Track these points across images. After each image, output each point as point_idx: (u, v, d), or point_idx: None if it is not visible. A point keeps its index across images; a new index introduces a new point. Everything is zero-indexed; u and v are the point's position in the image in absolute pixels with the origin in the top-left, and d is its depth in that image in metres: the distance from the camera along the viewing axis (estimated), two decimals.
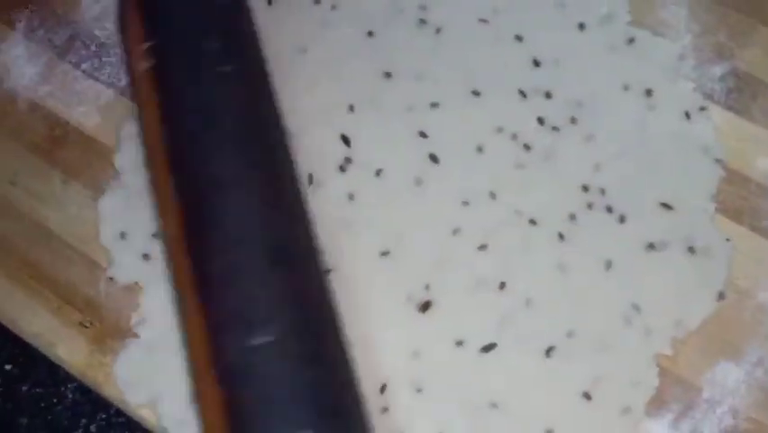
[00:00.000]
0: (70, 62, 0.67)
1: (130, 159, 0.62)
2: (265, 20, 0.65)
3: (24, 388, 0.64)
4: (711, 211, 0.59)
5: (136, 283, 0.60)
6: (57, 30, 0.68)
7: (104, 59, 0.67)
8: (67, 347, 0.59)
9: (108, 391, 0.58)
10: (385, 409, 0.55)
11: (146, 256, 0.60)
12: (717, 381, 0.55)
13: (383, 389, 0.55)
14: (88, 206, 0.62)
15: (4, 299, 0.60)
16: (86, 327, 0.59)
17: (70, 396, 0.64)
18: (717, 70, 0.62)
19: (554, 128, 0.61)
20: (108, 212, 0.61)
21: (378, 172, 0.61)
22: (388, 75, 0.64)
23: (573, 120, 0.61)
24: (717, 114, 0.61)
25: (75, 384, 0.63)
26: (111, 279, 0.60)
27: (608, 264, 0.57)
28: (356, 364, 0.53)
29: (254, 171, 0.53)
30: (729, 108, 0.61)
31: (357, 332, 0.56)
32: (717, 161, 0.60)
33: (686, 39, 0.63)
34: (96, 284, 0.60)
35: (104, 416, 0.63)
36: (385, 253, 0.58)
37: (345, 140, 0.62)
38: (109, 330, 0.59)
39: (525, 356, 0.56)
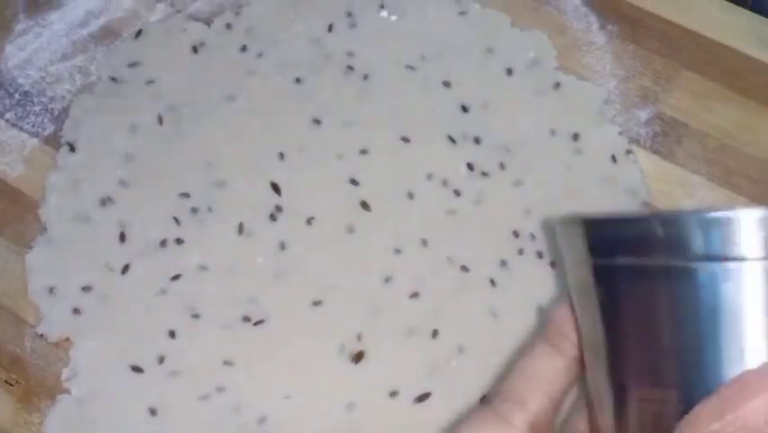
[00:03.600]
0: None
1: (56, 211, 0.61)
2: (191, 68, 0.65)
3: None
4: None
5: (67, 339, 0.58)
6: None
7: (28, 107, 0.65)
8: None
9: None
10: None
11: (76, 310, 0.59)
12: None
13: None
14: (15, 260, 0.60)
15: None
16: (12, 385, 0.58)
17: None
18: (643, 114, 0.63)
19: (484, 173, 0.61)
20: (36, 266, 0.60)
21: (309, 220, 0.60)
22: (317, 122, 0.63)
23: (502, 165, 0.61)
24: (643, 157, 0.62)
25: None
26: (40, 335, 0.58)
27: (540, 310, 0.58)
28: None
29: None
30: (655, 152, 0.62)
31: (290, 384, 0.55)
32: (644, 204, 0.60)
33: (611, 83, 0.64)
34: (21, 341, 0.58)
35: None
36: (317, 303, 0.58)
37: (275, 188, 0.61)
38: (36, 388, 0.57)
39: (459, 405, 0.55)
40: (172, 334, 0.57)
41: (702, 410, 0.35)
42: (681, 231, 0.35)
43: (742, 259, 0.35)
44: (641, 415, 0.38)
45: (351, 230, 0.60)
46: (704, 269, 0.35)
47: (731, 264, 0.35)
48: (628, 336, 0.38)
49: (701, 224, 0.35)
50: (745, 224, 0.35)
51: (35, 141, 0.64)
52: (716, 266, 0.35)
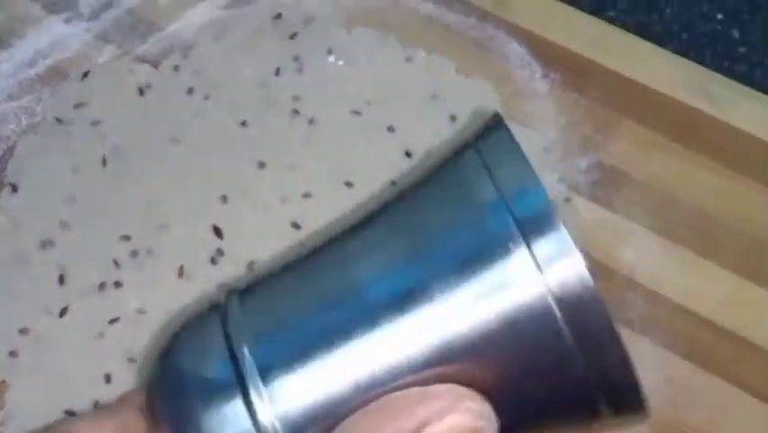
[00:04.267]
0: None
1: None
2: (136, 110, 0.65)
3: None
4: None
5: (3, 381, 0.58)
6: None
7: None
8: None
9: None
10: None
11: (13, 353, 0.58)
12: None
13: None
14: None
15: None
16: None
17: None
18: (583, 162, 0.64)
19: None
20: None
21: (250, 264, 0.60)
22: (261, 165, 0.64)
23: None
24: (582, 205, 0.62)
25: None
26: None
27: None
28: None
29: None
30: (594, 200, 0.63)
31: None
32: (582, 252, 0.61)
33: (552, 131, 0.65)
34: None
35: None
36: None
37: (217, 231, 0.61)
38: None
39: None
40: (108, 378, 0.57)
41: None
42: None
43: None
44: None
45: None
46: None
47: None
48: None
49: None
50: None
51: None
52: None
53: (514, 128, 0.64)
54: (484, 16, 0.69)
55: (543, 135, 0.64)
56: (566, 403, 0.34)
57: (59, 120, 0.66)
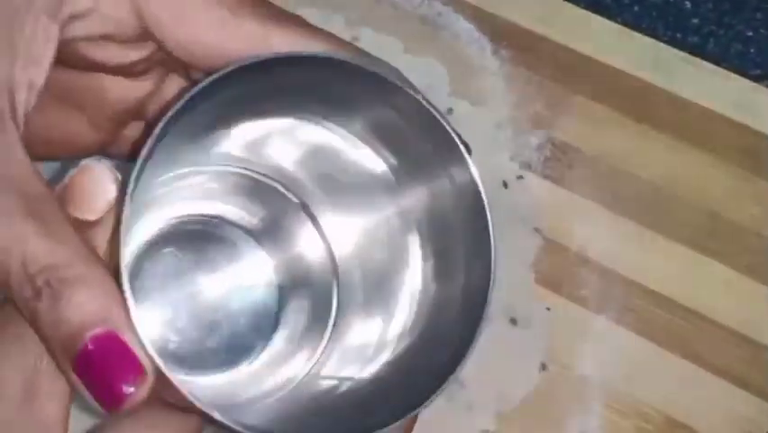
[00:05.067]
0: None
1: None
2: None
3: None
4: (531, 281, 0.59)
5: None
6: None
7: None
8: None
9: None
10: None
11: None
12: None
13: None
14: None
15: None
16: None
17: None
18: (534, 139, 0.63)
19: None
20: None
21: None
22: None
23: None
24: (535, 183, 0.61)
25: None
26: None
27: None
28: None
29: None
30: (546, 177, 0.62)
31: None
32: (536, 230, 0.60)
33: (503, 109, 0.64)
34: None
35: None
36: None
37: None
38: None
39: None
40: None
41: None
42: None
43: None
44: None
45: None
46: None
47: None
48: None
49: None
50: None
51: None
52: None
53: (464, 106, 0.64)
54: None
55: (494, 113, 0.63)
56: None
57: None
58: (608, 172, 0.61)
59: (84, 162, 0.37)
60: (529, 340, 0.57)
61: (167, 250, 0.45)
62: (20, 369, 0.35)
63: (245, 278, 0.46)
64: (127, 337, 0.33)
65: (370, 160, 0.43)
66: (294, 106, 0.42)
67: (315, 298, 0.46)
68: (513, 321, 0.57)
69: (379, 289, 0.44)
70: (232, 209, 0.46)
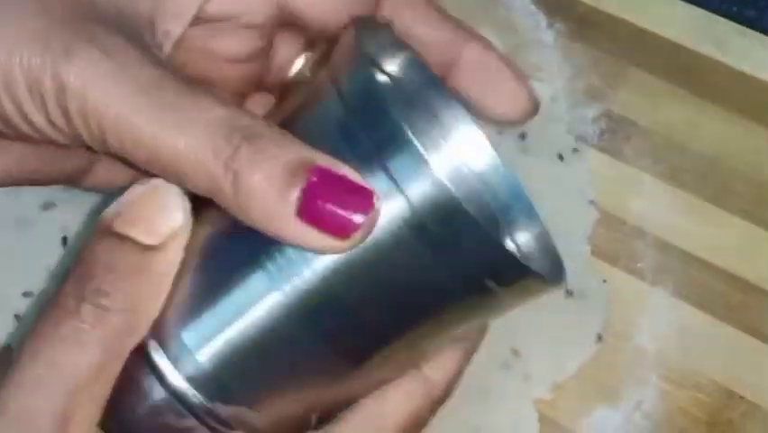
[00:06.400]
0: None
1: None
2: None
3: None
4: (587, 254, 0.59)
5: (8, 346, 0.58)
6: None
7: None
8: None
9: None
10: None
11: (18, 317, 0.57)
12: (596, 426, 0.54)
13: None
14: None
15: None
16: None
17: None
18: (590, 112, 0.63)
19: None
20: None
21: None
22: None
23: None
24: (591, 155, 0.61)
25: None
26: None
27: None
28: None
29: None
30: (602, 150, 0.62)
31: None
32: (592, 203, 0.60)
33: (559, 81, 0.64)
34: None
35: None
36: None
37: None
38: None
39: None
40: None
41: None
42: None
43: None
44: None
45: None
46: None
47: None
48: None
49: None
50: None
51: None
52: None
53: None
54: None
55: (549, 86, 0.63)
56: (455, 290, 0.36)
57: None
58: (665, 145, 0.61)
59: (154, 182, 0.36)
60: (585, 312, 0.57)
61: None
62: (53, 398, 0.34)
63: None
64: (344, 171, 0.34)
65: None
66: None
67: None
68: (569, 293, 0.57)
69: None
70: None
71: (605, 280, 0.58)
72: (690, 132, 0.62)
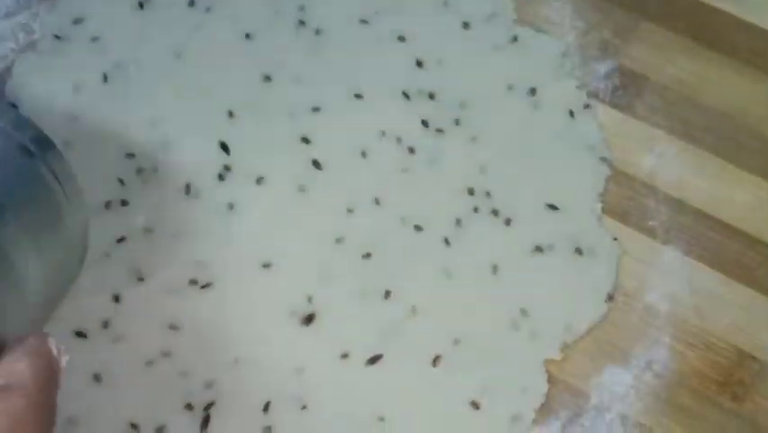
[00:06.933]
0: None
1: None
2: (137, 24, 0.63)
3: None
4: (598, 211, 0.58)
5: None
6: None
7: None
8: None
9: None
10: (268, 429, 0.53)
11: None
12: (606, 386, 0.54)
13: (266, 407, 0.53)
14: None
15: None
16: None
17: None
18: (602, 68, 0.61)
19: (438, 130, 0.60)
20: None
21: (259, 180, 0.59)
22: (267, 78, 0.61)
23: (457, 121, 0.60)
24: (603, 111, 0.60)
25: None
26: None
27: (495, 269, 0.56)
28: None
29: None
30: (614, 106, 0.60)
31: (238, 348, 0.54)
32: (603, 159, 0.59)
33: (570, 36, 0.62)
34: None
35: None
36: (266, 265, 0.56)
37: (224, 147, 0.59)
38: None
39: (411, 367, 0.54)
40: (117, 298, 0.55)
41: None
42: None
43: None
44: None
45: (302, 190, 0.58)
46: None
47: None
48: None
49: None
50: None
51: None
52: None
53: (530, 34, 0.62)
54: None
55: (560, 41, 0.62)
56: None
57: (57, 37, 0.63)
58: (678, 101, 0.60)
59: None
60: (595, 270, 0.56)
61: None
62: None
63: None
64: None
65: None
66: None
67: None
68: (578, 251, 0.56)
69: None
70: None
71: (616, 238, 0.57)
72: (704, 87, 0.61)
